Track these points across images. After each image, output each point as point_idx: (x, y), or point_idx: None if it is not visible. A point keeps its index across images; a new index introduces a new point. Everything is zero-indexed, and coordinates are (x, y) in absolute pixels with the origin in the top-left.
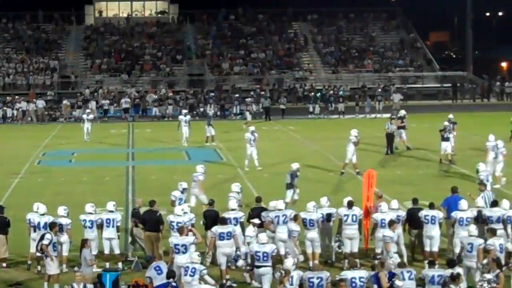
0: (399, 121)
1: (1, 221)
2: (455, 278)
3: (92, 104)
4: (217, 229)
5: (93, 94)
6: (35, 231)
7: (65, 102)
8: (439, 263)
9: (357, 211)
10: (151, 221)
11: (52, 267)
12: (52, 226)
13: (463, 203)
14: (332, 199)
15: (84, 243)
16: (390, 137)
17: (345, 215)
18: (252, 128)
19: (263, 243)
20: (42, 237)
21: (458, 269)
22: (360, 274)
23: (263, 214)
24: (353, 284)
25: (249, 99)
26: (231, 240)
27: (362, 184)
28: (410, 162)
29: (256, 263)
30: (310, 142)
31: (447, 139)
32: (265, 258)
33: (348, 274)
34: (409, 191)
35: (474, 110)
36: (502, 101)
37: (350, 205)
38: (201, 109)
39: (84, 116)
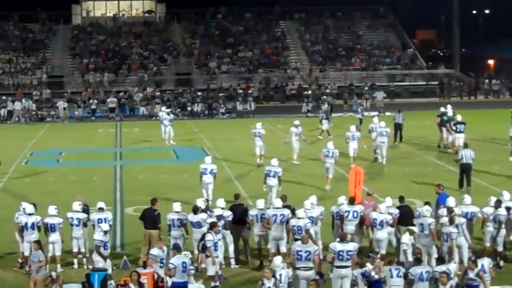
0: (438, 118)
1: None
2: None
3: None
4: (188, 217)
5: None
6: (22, 231)
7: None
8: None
9: (358, 207)
10: (149, 219)
11: (212, 268)
12: (212, 225)
13: (451, 201)
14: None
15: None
16: (398, 127)
17: (346, 211)
18: (296, 121)
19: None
20: (202, 237)
21: (450, 266)
22: (348, 247)
23: (251, 212)
24: (340, 257)
25: (325, 96)
26: (201, 228)
27: (348, 181)
28: (397, 160)
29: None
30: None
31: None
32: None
33: (336, 246)
34: (396, 188)
35: (461, 108)
36: (489, 99)
37: (351, 202)
38: (189, 108)
39: (161, 113)
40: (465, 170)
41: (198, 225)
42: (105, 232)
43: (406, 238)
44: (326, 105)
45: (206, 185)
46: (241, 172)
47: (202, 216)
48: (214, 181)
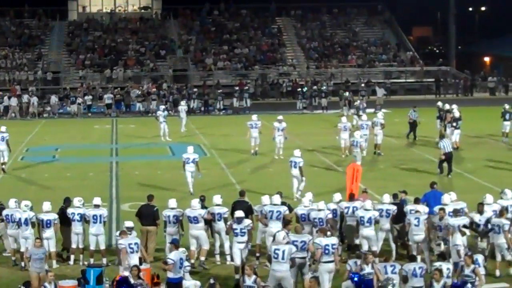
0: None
1: None
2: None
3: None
4: (186, 212)
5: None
6: (18, 227)
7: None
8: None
9: (357, 203)
10: (147, 215)
11: None
12: (286, 223)
13: (445, 197)
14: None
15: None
16: (412, 124)
17: (345, 207)
18: (280, 117)
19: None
20: (275, 236)
21: (446, 265)
22: (332, 241)
23: (256, 208)
24: (326, 251)
25: (346, 93)
26: (198, 224)
27: (346, 178)
28: (394, 157)
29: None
30: (294, 137)
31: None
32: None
33: (322, 241)
34: (392, 185)
35: (457, 105)
36: (485, 96)
37: (351, 198)
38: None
39: (160, 112)
40: (448, 158)
41: (195, 220)
42: (128, 229)
43: (458, 240)
44: (358, 101)
45: (189, 173)
46: (236, 168)
47: (200, 211)
48: (196, 170)
